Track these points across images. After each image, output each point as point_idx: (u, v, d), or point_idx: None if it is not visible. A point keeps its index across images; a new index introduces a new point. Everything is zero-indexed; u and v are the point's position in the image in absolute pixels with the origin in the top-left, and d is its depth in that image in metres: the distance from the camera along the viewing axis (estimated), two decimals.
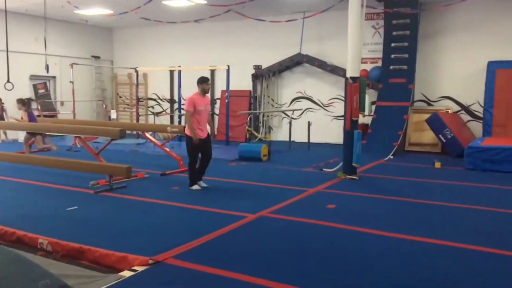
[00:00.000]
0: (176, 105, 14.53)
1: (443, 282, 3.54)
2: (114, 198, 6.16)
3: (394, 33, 11.28)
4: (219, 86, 14.26)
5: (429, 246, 4.32)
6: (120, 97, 16.51)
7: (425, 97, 11.78)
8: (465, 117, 11.34)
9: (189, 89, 14.05)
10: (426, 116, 10.77)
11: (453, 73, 11.41)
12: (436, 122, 10.29)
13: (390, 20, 11.28)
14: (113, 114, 13.58)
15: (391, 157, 10.07)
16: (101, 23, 15.28)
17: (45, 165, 7.56)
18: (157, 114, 14.83)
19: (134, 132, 13.27)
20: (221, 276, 3.57)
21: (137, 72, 13.75)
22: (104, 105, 15.36)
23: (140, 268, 3.67)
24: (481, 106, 10.96)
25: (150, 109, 15.71)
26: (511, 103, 10.38)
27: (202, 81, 6.76)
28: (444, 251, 4.19)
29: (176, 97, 14.49)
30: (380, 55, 11.70)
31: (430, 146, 11.18)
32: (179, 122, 13.24)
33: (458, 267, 3.81)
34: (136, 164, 8.26)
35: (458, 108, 11.43)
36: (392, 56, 11.32)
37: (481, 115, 10.96)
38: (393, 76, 11.27)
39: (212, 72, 14.38)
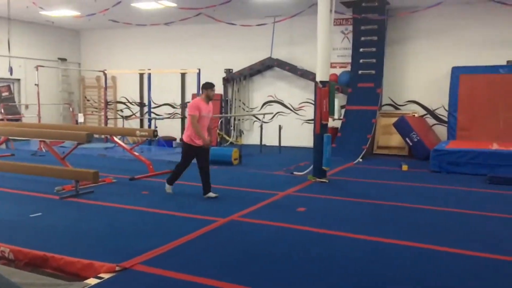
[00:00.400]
0: (146, 109, 14.33)
1: (409, 281, 3.60)
2: (81, 203, 6.00)
3: (362, 38, 11.50)
4: (190, 89, 14.17)
5: (397, 247, 4.40)
6: (88, 100, 16.17)
7: (393, 101, 12.06)
8: (430, 121, 11.67)
9: (159, 93, 14.08)
10: (394, 119, 11.01)
11: (419, 78, 11.72)
12: (403, 126, 10.54)
13: (359, 25, 11.50)
14: (81, 118, 13.26)
15: (360, 160, 10.24)
16: (68, 25, 14.93)
17: (8, 170, 7.29)
18: (126, 117, 14.60)
19: (103, 136, 13.02)
20: (191, 281, 3.52)
21: (105, 75, 13.49)
22: (71, 109, 15.01)
23: (106, 276, 3.59)
24: (446, 110, 11.31)
25: (119, 112, 15.46)
26: (474, 107, 10.75)
27: (207, 86, 6.34)
28: (411, 252, 4.28)
29: (146, 101, 14.30)
30: (349, 59, 11.89)
31: (397, 149, 11.43)
32: (149, 126, 13.07)
33: (424, 267, 3.89)
34: (104, 168, 8.10)
35: (424, 112, 11.75)
36: (361, 61, 11.53)
37: (446, 119, 11.31)
38: (362, 81, 11.48)
39: (183, 75, 14.29)
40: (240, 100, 13.79)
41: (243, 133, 13.82)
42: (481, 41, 11.01)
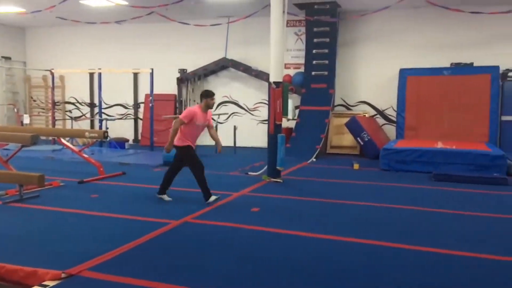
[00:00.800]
0: (96, 109, 13.91)
1: (364, 277, 3.69)
2: (25, 209, 5.72)
3: (315, 40, 11.71)
4: (143, 89, 13.88)
5: (351, 245, 4.49)
6: (35, 100, 15.47)
7: (345, 101, 12.35)
8: (380, 120, 12.05)
9: (111, 93, 13.69)
10: (346, 120, 11.28)
11: (369, 79, 12.08)
12: (354, 126, 10.81)
13: (311, 27, 11.70)
14: (26, 119, 12.66)
15: (314, 159, 10.41)
16: (12, 22, 14.22)
17: None
18: (75, 118, 14.09)
19: (50, 138, 12.50)
20: (142, 286, 3.43)
21: (52, 74, 12.96)
22: (15, 109, 14.30)
23: (51, 283, 3.43)
24: (395, 110, 11.72)
25: (68, 113, 14.90)
26: (421, 107, 11.21)
27: (206, 95, 6.03)
28: (365, 249, 4.38)
29: (96, 101, 13.87)
30: (303, 61, 12.07)
31: (349, 149, 11.73)
32: (100, 127, 12.67)
33: (377, 263, 4.00)
34: (51, 171, 7.78)
35: (374, 112, 12.12)
36: (314, 62, 11.73)
37: (395, 119, 11.72)
38: (315, 82, 11.68)
39: (135, 75, 13.98)
40: (194, 101, 13.64)
41: None
42: (427, 44, 11.50)
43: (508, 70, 10.97)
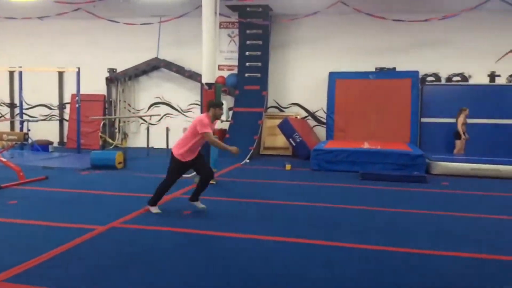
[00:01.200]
0: (17, 110, 13.02)
1: (293, 276, 3.75)
2: None
3: (248, 42, 11.82)
4: (69, 89, 13.22)
5: (281, 244, 4.56)
6: None
7: (277, 103, 12.58)
8: (311, 122, 12.42)
9: (33, 93, 12.88)
10: (278, 121, 11.49)
11: (300, 82, 12.40)
12: (286, 127, 11.04)
13: (244, 29, 11.79)
14: None
15: (247, 161, 10.49)
16: None
17: None
18: None
19: None
20: None
21: None
22: None
23: None
24: (325, 112, 12.12)
25: None
26: (349, 110, 11.68)
27: (215, 104, 5.59)
28: (293, 248, 4.46)
29: (17, 101, 13.00)
30: (236, 62, 12.13)
31: (282, 150, 11.95)
32: (21, 129, 11.87)
33: (305, 261, 4.09)
34: None
35: (306, 114, 12.46)
36: (247, 64, 11.84)
37: (325, 121, 12.12)
38: (248, 83, 11.79)
39: (61, 74, 13.30)
40: (125, 101, 13.25)
41: (127, 136, 13.30)
42: (354, 48, 12.03)
43: (427, 75, 11.78)
